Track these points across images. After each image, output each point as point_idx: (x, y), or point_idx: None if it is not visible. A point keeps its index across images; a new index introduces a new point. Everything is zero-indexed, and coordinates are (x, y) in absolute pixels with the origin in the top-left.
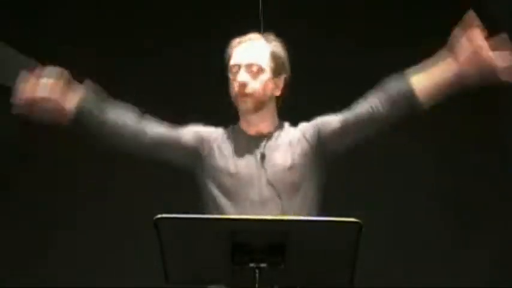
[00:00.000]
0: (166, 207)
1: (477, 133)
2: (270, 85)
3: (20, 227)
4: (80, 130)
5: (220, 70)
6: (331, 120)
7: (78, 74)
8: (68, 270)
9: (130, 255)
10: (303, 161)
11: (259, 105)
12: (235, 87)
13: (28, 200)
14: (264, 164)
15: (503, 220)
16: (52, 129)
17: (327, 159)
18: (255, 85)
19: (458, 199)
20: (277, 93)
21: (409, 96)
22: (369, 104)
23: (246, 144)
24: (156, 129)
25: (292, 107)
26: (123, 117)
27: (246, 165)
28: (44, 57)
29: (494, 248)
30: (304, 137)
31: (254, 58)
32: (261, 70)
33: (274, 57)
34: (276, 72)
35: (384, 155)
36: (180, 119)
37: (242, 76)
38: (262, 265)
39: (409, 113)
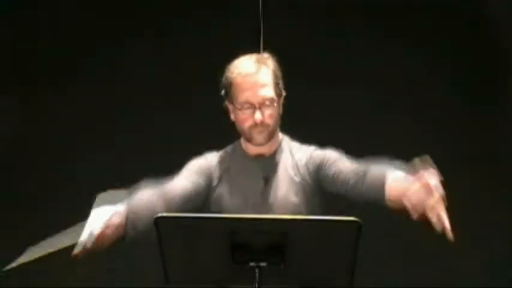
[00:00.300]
0: None
1: (478, 133)
2: (279, 110)
3: (20, 225)
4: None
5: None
6: (332, 164)
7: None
8: (67, 270)
9: (131, 255)
10: (304, 186)
11: (272, 135)
12: (248, 123)
13: (27, 199)
14: (267, 188)
15: (503, 220)
16: (51, 129)
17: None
18: (269, 119)
19: (458, 199)
20: (281, 111)
21: (379, 199)
22: (349, 178)
23: (248, 166)
24: (178, 192)
25: (293, 108)
26: (154, 208)
27: (249, 189)
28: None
29: (494, 248)
30: (307, 166)
31: (264, 92)
32: (272, 101)
33: (276, 80)
34: (279, 93)
35: (383, 154)
36: (180, 120)
37: (258, 115)
38: (262, 264)
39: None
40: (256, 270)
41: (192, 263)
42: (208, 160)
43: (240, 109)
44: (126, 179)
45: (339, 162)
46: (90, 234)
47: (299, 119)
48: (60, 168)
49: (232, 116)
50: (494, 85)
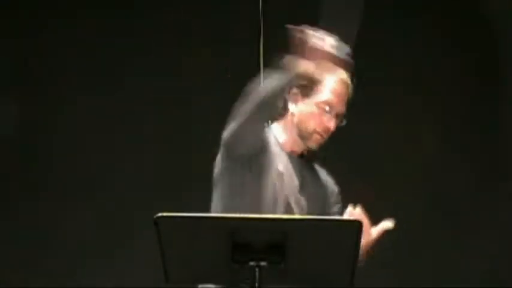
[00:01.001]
0: (167, 205)
1: (478, 134)
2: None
3: (20, 225)
4: None
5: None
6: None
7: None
8: (67, 270)
9: (131, 255)
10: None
11: (321, 144)
12: (316, 124)
13: (27, 199)
14: (302, 190)
15: (503, 221)
16: (51, 129)
17: None
18: (332, 130)
19: (459, 198)
20: None
21: None
22: None
23: (284, 161)
24: None
25: None
26: None
27: (286, 185)
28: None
29: (494, 251)
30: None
31: (344, 107)
32: (342, 118)
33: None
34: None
35: (383, 153)
36: (180, 121)
37: (333, 123)
38: (262, 264)
39: None
40: (256, 270)
41: (192, 263)
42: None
43: (318, 107)
44: (125, 178)
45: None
46: None
47: None
48: (60, 168)
49: (293, 107)
50: (494, 84)
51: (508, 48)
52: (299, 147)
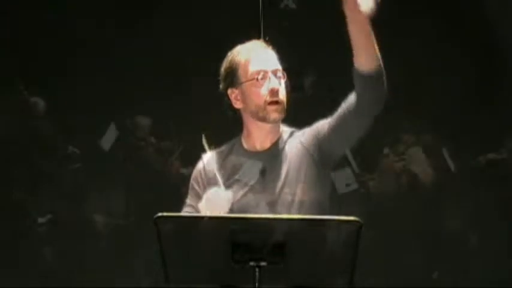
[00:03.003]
0: (167, 205)
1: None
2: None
3: (20, 224)
4: None
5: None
6: (324, 124)
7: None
8: (67, 270)
9: (131, 255)
10: (306, 174)
11: (284, 113)
12: (263, 96)
13: (29, 199)
14: (264, 180)
15: (504, 221)
16: (51, 129)
17: (329, 166)
18: (282, 91)
19: (458, 197)
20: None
21: (354, 73)
22: (343, 103)
23: (247, 161)
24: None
25: (295, 105)
26: None
27: (247, 182)
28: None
29: (493, 250)
30: (303, 146)
31: (276, 63)
32: (283, 75)
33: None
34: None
35: (383, 152)
36: (179, 115)
37: (274, 82)
38: (262, 264)
39: (368, 86)
40: (257, 269)
41: (192, 263)
42: (205, 162)
43: (253, 81)
44: (126, 178)
45: (328, 120)
46: None
47: (302, 115)
48: (60, 168)
49: (238, 103)
50: (494, 85)
51: (508, 48)
52: (265, 140)
